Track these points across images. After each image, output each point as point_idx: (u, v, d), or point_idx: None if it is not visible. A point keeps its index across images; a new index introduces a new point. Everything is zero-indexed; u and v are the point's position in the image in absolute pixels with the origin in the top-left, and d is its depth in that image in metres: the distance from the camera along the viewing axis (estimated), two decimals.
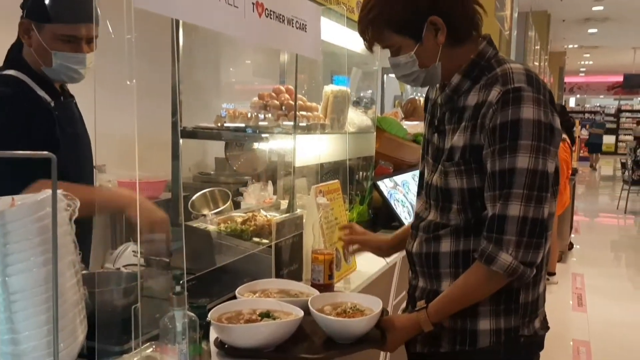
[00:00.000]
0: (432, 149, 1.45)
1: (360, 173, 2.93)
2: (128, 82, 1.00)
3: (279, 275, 1.79)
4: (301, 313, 1.37)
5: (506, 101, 1.23)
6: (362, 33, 1.37)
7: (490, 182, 1.27)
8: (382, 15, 1.31)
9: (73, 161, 1.70)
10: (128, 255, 2.05)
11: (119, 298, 1.35)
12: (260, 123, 2.19)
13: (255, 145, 2.60)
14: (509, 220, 1.23)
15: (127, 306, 1.34)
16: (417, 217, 1.50)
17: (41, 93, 1.62)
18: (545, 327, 1.42)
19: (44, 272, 1.02)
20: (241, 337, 1.30)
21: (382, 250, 1.80)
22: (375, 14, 1.31)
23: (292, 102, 2.17)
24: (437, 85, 1.47)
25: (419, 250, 1.44)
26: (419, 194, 1.54)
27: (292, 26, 1.67)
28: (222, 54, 4.26)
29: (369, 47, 1.38)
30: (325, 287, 1.75)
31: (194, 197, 2.51)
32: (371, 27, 1.34)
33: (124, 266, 1.86)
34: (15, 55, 1.66)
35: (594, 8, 11.63)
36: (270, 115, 2.16)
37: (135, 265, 1.83)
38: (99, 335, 1.18)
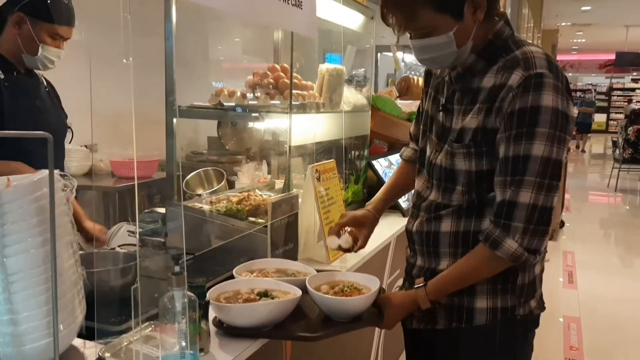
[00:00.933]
0: (437, 126, 1.42)
1: (353, 152, 2.93)
2: (124, 60, 0.98)
3: (274, 254, 1.79)
4: (299, 292, 1.38)
5: (527, 87, 1.21)
6: (393, 13, 1.27)
7: (502, 166, 1.25)
8: None
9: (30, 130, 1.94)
10: (122, 235, 2.05)
11: (117, 278, 1.35)
12: (255, 102, 2.17)
13: (250, 124, 2.58)
14: (519, 207, 1.22)
15: (125, 286, 1.35)
16: (419, 196, 1.48)
17: None
18: (541, 306, 1.43)
19: (42, 252, 1.02)
20: (240, 317, 1.31)
21: (376, 222, 1.69)
22: None
23: (287, 81, 2.15)
24: None
25: (420, 229, 1.44)
26: (419, 172, 1.51)
27: (288, 3, 1.65)
28: (211, 31, 4.20)
29: (399, 29, 1.28)
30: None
31: (188, 177, 2.50)
32: (407, 6, 1.24)
33: (119, 246, 1.86)
34: None
35: None
36: (266, 94, 2.14)
37: (130, 245, 1.83)
38: (97, 315, 1.18)
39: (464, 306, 1.37)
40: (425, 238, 1.43)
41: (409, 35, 1.32)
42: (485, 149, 1.29)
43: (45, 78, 2.11)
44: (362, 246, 1.61)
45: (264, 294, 1.37)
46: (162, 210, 2.06)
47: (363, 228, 1.62)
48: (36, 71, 2.05)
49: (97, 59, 1.38)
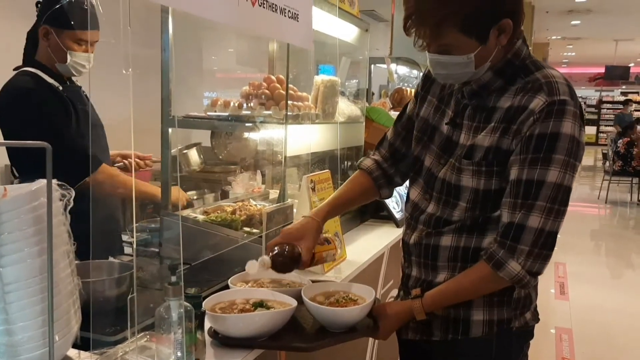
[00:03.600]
0: (440, 138, 1.40)
1: (347, 162, 2.94)
2: (124, 71, 0.98)
3: None
4: (294, 303, 1.38)
5: (550, 113, 1.21)
6: (419, 28, 1.23)
7: (513, 188, 1.25)
8: (456, 14, 1.19)
9: (89, 134, 2.07)
10: None
11: (112, 288, 1.35)
12: (251, 112, 2.18)
13: (246, 134, 2.59)
14: (528, 231, 1.23)
15: (121, 296, 1.35)
16: (416, 207, 1.45)
17: (51, 81, 2.02)
18: (536, 318, 1.44)
19: (39, 262, 1.02)
20: (235, 327, 1.31)
21: (319, 230, 1.52)
22: (448, 11, 1.20)
23: (282, 92, 2.16)
24: None
25: (418, 242, 1.42)
26: (414, 180, 1.48)
27: (285, 15, 1.66)
28: (205, 42, 4.22)
29: (422, 44, 1.25)
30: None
31: None
32: (434, 23, 1.21)
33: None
34: (29, 57, 2.06)
35: (577, 0, 11.72)
36: (261, 104, 2.15)
37: (125, 255, 1.83)
38: (93, 325, 1.17)
39: (460, 318, 1.37)
40: (423, 251, 1.41)
41: (427, 48, 1.28)
42: (497, 169, 1.28)
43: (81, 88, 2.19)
44: (306, 260, 1.44)
45: (260, 305, 1.37)
46: (156, 220, 2.06)
47: (303, 240, 1.44)
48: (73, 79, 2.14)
49: (101, 68, 1.40)
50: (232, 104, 2.17)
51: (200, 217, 2.07)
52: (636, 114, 18.11)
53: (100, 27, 1.99)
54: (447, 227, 1.36)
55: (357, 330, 1.41)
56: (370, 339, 2.35)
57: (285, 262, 1.41)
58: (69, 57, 1.99)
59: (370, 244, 2.38)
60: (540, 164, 1.21)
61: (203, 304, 1.30)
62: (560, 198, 1.23)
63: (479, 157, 1.29)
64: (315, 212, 1.52)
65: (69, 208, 1.09)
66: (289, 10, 1.69)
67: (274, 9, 1.59)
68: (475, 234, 1.34)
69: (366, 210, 2.83)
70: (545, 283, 5.36)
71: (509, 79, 1.29)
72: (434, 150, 1.41)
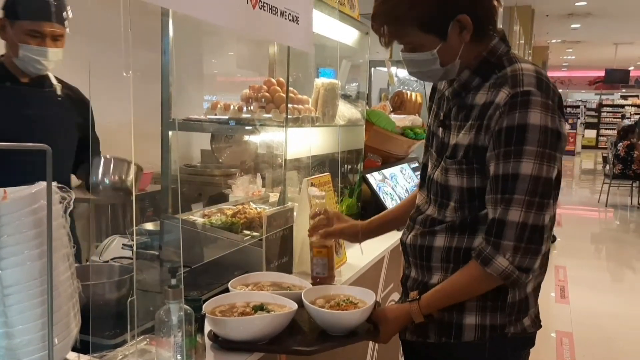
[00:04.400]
0: (437, 142, 1.43)
1: (346, 166, 2.94)
2: (124, 74, 0.98)
3: (269, 267, 1.79)
4: (295, 306, 1.37)
5: (514, 105, 1.21)
6: (380, 28, 1.31)
7: (492, 184, 1.26)
8: (410, 13, 1.25)
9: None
10: (114, 248, 2.04)
11: (112, 291, 1.34)
12: (251, 116, 2.18)
13: (246, 137, 2.59)
14: (508, 226, 1.23)
15: (121, 299, 1.34)
16: (418, 209, 1.49)
17: None
18: (536, 325, 1.42)
19: (38, 265, 1.01)
20: (235, 330, 1.30)
21: (356, 237, 1.76)
22: (403, 10, 1.26)
23: (283, 95, 2.16)
24: None
25: (413, 242, 1.45)
26: (421, 186, 1.52)
27: (285, 18, 1.66)
28: (206, 45, 4.23)
29: (386, 43, 1.32)
30: (329, 279, 1.75)
31: None
32: (394, 23, 1.28)
33: (112, 259, 1.85)
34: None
35: (577, 3, 11.73)
36: (261, 108, 2.15)
37: (124, 257, 1.82)
38: (92, 328, 1.17)
39: (453, 322, 1.37)
40: (418, 251, 1.43)
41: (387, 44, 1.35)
42: (477, 166, 1.29)
43: (71, 89, 2.07)
44: (324, 231, 1.72)
45: (260, 308, 1.36)
46: (156, 223, 2.06)
47: (339, 222, 1.72)
48: (55, 81, 2.01)
49: (92, 71, 1.39)
50: (232, 107, 2.17)
51: (200, 220, 2.07)
52: (635, 118, 18.12)
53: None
54: (439, 226, 1.38)
55: (357, 333, 1.40)
56: (371, 342, 2.34)
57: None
58: (20, 50, 1.84)
59: (370, 247, 2.37)
60: (512, 157, 1.21)
61: (203, 307, 1.30)
62: (540, 191, 1.21)
63: (460, 155, 1.32)
64: (368, 221, 1.75)
65: (69, 211, 1.08)
66: (289, 13, 1.69)
67: (274, 12, 1.59)
68: (466, 234, 1.35)
69: (366, 214, 2.83)
70: (546, 287, 5.33)
71: (484, 75, 1.32)
72: (433, 155, 1.45)
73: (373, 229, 1.76)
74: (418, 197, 1.52)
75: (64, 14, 1.90)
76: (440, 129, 1.41)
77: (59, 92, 2.02)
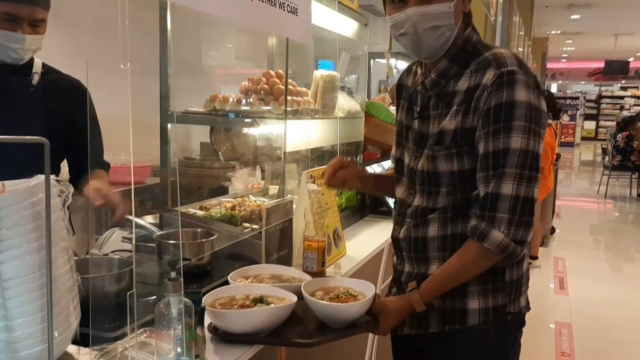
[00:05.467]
0: (413, 134, 1.46)
1: (346, 158, 2.93)
2: (122, 66, 0.98)
3: (268, 260, 1.79)
4: (294, 298, 1.37)
5: (501, 84, 1.25)
6: None
7: (483, 162, 1.29)
8: None
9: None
10: (114, 241, 2.03)
11: (112, 284, 1.34)
12: (250, 108, 2.17)
13: (245, 130, 2.58)
14: (502, 199, 1.26)
15: (121, 292, 1.34)
16: (402, 203, 1.50)
17: None
18: (528, 307, 1.46)
19: (38, 258, 1.01)
20: (235, 323, 1.31)
21: (364, 185, 1.71)
22: None
23: (282, 87, 2.15)
24: (417, 71, 1.48)
25: (407, 235, 1.45)
26: (399, 181, 1.54)
27: (284, 10, 1.65)
28: (204, 37, 4.20)
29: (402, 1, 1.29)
30: (318, 274, 1.76)
31: None
32: None
33: (112, 252, 1.85)
34: None
35: None
36: (260, 100, 2.14)
37: (124, 250, 1.82)
38: (92, 321, 1.17)
39: (456, 308, 1.38)
40: (413, 244, 1.44)
41: (404, 4, 1.30)
42: (466, 148, 1.33)
43: (61, 79, 1.88)
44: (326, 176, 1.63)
45: (260, 300, 1.37)
46: (155, 215, 2.06)
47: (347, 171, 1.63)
48: (40, 69, 1.81)
49: (90, 63, 1.37)
50: (231, 99, 2.16)
51: (200, 212, 2.07)
52: (635, 109, 18.09)
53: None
54: (432, 214, 1.40)
55: (357, 325, 1.41)
56: (370, 335, 2.35)
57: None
58: None
59: (369, 240, 2.37)
60: (502, 134, 1.25)
61: (203, 299, 1.30)
62: (529, 163, 1.25)
63: (448, 140, 1.35)
64: (376, 175, 1.77)
65: (67, 204, 1.08)
66: (288, 5, 1.68)
67: (273, 4, 1.58)
68: (459, 220, 1.37)
69: (365, 206, 2.83)
70: (545, 277, 5.37)
71: (463, 63, 1.35)
72: (410, 148, 1.47)
73: (376, 184, 1.72)
74: (398, 192, 1.53)
75: None
76: (417, 121, 1.44)
77: (34, 81, 1.80)
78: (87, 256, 1.62)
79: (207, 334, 1.32)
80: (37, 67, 1.83)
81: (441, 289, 1.37)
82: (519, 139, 1.24)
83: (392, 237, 1.54)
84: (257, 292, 1.42)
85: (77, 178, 1.87)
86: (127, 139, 1.12)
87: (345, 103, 2.69)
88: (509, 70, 1.26)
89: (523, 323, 1.46)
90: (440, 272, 1.37)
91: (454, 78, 1.36)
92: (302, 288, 1.42)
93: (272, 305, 1.35)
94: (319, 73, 2.44)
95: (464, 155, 1.33)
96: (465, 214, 1.36)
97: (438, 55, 1.38)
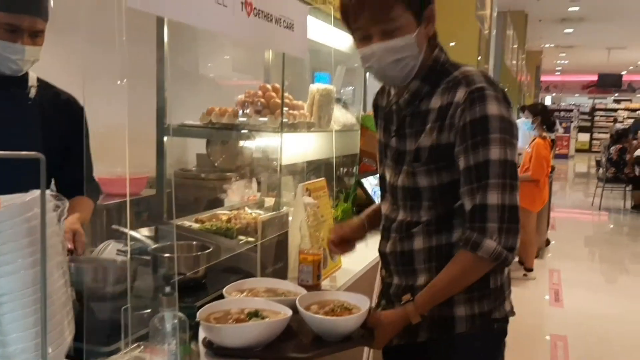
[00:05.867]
0: (392, 152, 1.49)
1: (342, 170, 2.95)
2: (119, 82, 0.98)
3: (263, 273, 1.79)
4: (290, 312, 1.37)
5: (473, 100, 1.31)
6: (365, 8, 1.31)
7: (466, 176, 1.33)
8: None
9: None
10: (109, 253, 2.03)
11: (107, 298, 1.34)
12: (246, 121, 2.18)
13: (241, 142, 2.59)
14: (490, 209, 1.29)
15: (115, 306, 1.33)
16: (387, 218, 1.54)
17: None
18: (513, 311, 1.49)
19: (33, 273, 1.01)
20: (230, 337, 1.30)
21: (362, 231, 1.73)
22: None
23: (278, 101, 2.17)
24: (391, 91, 1.51)
25: (393, 250, 1.48)
26: (383, 197, 1.58)
27: (280, 25, 1.67)
28: (201, 49, 4.22)
29: (367, 26, 1.32)
30: (314, 287, 1.76)
31: None
32: (385, 2, 1.29)
33: None
34: None
35: (570, 8, 11.82)
36: (256, 112, 2.15)
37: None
38: (86, 336, 1.16)
39: (444, 316, 1.41)
40: (399, 257, 1.47)
41: (369, 40, 1.34)
42: (443, 164, 1.37)
43: (58, 93, 1.84)
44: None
45: (254, 314, 1.36)
46: (151, 228, 2.05)
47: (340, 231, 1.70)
48: (35, 82, 1.78)
49: (86, 75, 1.37)
50: (227, 112, 2.17)
51: (195, 225, 2.06)
52: (628, 122, 18.22)
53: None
54: (416, 228, 1.43)
55: (352, 339, 1.40)
56: (366, 348, 2.34)
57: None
58: None
59: (365, 252, 2.36)
60: (481, 147, 1.30)
61: (197, 314, 1.30)
62: (508, 172, 1.31)
63: (425, 157, 1.39)
64: (364, 220, 1.72)
65: (63, 219, 1.08)
66: (284, 20, 1.70)
67: (269, 19, 1.60)
68: (443, 231, 1.41)
69: None
70: (540, 290, 5.37)
71: (434, 82, 1.40)
72: (389, 165, 1.51)
73: (371, 224, 1.72)
74: (383, 208, 1.57)
75: (47, 6, 1.66)
76: (394, 139, 1.48)
77: (32, 94, 1.77)
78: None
79: (202, 349, 1.32)
80: (33, 80, 1.81)
81: (436, 300, 1.39)
82: (497, 150, 1.29)
83: (379, 251, 1.57)
84: (251, 306, 1.41)
85: (65, 195, 1.80)
86: (123, 150, 1.12)
87: (341, 116, 2.70)
88: (478, 87, 1.32)
89: (505, 333, 1.49)
90: (434, 284, 1.38)
91: (426, 97, 1.40)
92: (297, 302, 1.42)
93: (267, 319, 1.35)
94: (315, 87, 2.46)
95: (442, 170, 1.37)
96: (449, 225, 1.40)
97: (406, 81, 1.42)
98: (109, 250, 2.05)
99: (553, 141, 6.02)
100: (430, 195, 1.40)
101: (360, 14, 1.32)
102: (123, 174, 3.52)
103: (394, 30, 1.33)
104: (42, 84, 1.83)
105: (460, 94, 1.33)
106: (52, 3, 1.67)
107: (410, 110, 1.43)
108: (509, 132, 1.32)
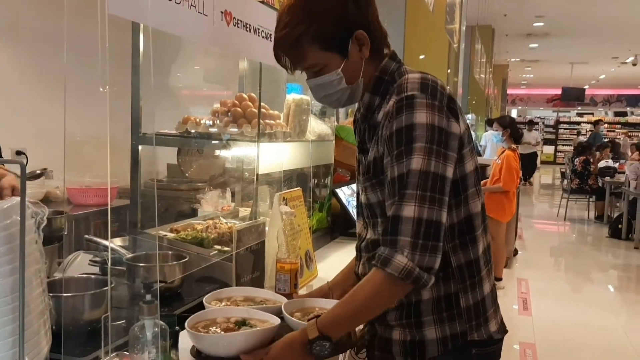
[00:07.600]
0: (361, 167, 1.44)
1: (313, 180, 2.96)
2: (101, 89, 0.98)
3: (239, 282, 1.78)
4: (277, 320, 1.37)
5: (400, 109, 1.23)
6: (284, 53, 1.31)
7: (390, 189, 1.24)
8: (310, 31, 1.26)
9: None
10: (78, 265, 1.99)
11: (86, 307, 1.32)
12: (222, 130, 2.18)
13: (217, 152, 2.58)
14: (404, 221, 1.17)
15: (94, 315, 1.32)
16: (359, 238, 1.48)
17: None
18: (502, 330, 1.41)
19: (10, 281, 0.99)
20: (221, 346, 1.28)
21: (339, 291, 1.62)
22: (302, 30, 1.26)
23: (255, 110, 2.17)
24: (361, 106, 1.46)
25: (363, 272, 1.42)
26: (359, 214, 1.49)
27: (259, 35, 1.69)
28: (173, 59, 4.20)
29: (292, 68, 1.34)
30: (290, 296, 1.76)
31: None
32: (295, 46, 1.28)
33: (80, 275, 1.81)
34: None
35: (535, 24, 12.19)
36: (232, 122, 2.16)
37: (92, 274, 1.79)
38: (64, 346, 1.14)
39: (415, 339, 1.32)
40: None
41: (306, 77, 1.36)
42: (383, 177, 1.29)
43: None
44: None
45: (243, 323, 1.36)
46: (124, 238, 2.03)
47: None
48: None
49: (53, 85, 1.35)
50: (203, 121, 2.17)
51: (170, 235, 2.05)
52: (590, 134, 18.79)
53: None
54: (378, 247, 1.29)
55: (339, 344, 1.40)
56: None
57: None
58: None
59: (340, 261, 2.38)
60: (404, 157, 1.21)
61: (185, 323, 1.29)
62: (431, 185, 1.18)
63: (371, 172, 1.33)
64: (333, 285, 1.64)
65: (42, 226, 1.07)
66: (262, 30, 1.71)
67: (248, 29, 1.61)
68: None
69: (335, 228, 2.86)
70: (509, 298, 5.47)
71: (382, 94, 1.34)
72: (360, 181, 1.44)
73: (343, 285, 1.61)
74: (357, 226, 1.50)
75: None
76: (360, 154, 1.43)
77: None
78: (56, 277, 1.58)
79: (181, 357, 1.30)
80: None
81: (342, 320, 1.25)
82: (419, 159, 1.18)
83: (354, 272, 1.50)
84: (236, 315, 1.41)
85: None
86: (91, 159, 1.11)
87: (316, 126, 2.72)
88: (408, 95, 1.23)
89: (495, 353, 1.38)
90: (341, 302, 1.27)
91: (377, 109, 1.35)
92: (283, 310, 1.42)
93: (257, 327, 1.35)
94: (291, 97, 2.48)
95: (384, 184, 1.29)
96: None
97: (350, 104, 1.41)
98: (79, 261, 2.02)
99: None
100: (380, 212, 1.32)
101: (282, 59, 1.33)
102: (92, 184, 3.47)
103: (317, 69, 1.32)
104: None
105: (391, 104, 1.26)
106: None
107: (366, 124, 1.39)
108: (441, 143, 1.21)
